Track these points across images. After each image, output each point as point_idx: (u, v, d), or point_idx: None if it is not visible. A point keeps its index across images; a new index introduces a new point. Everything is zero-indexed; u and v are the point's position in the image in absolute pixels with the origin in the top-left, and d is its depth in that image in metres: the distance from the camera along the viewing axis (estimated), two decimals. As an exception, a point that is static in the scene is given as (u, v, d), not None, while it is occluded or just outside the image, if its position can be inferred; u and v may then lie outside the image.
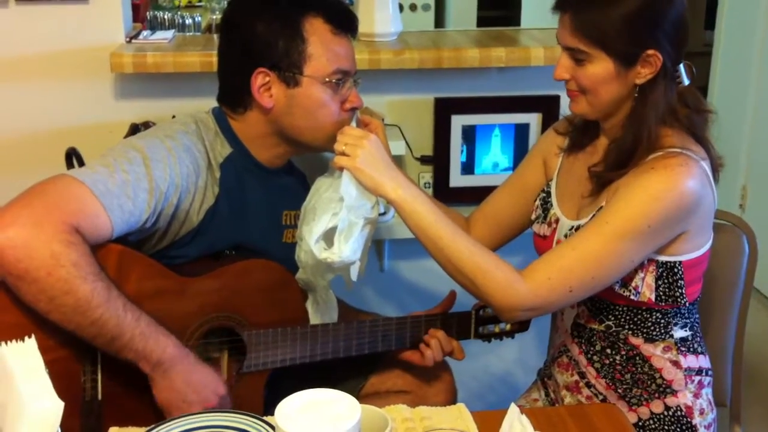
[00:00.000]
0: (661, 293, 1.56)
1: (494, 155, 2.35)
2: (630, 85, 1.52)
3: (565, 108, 2.18)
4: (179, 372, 1.44)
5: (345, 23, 1.61)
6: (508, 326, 1.82)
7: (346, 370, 1.76)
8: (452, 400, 1.80)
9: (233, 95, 1.62)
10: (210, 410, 1.28)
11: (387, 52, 2.18)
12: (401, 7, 4.07)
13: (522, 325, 1.84)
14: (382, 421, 1.20)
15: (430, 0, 4.95)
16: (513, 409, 1.28)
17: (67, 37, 2.17)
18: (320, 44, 1.56)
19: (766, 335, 3.22)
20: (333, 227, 1.52)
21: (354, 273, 1.56)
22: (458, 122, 2.31)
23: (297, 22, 1.56)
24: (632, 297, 1.56)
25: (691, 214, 1.50)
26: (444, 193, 2.31)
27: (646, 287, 1.56)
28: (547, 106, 2.30)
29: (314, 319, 1.67)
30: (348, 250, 1.51)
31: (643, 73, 1.51)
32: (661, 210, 1.47)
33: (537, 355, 2.26)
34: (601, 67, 1.50)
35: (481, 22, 4.92)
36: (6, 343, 1.15)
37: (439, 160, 2.34)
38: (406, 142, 2.28)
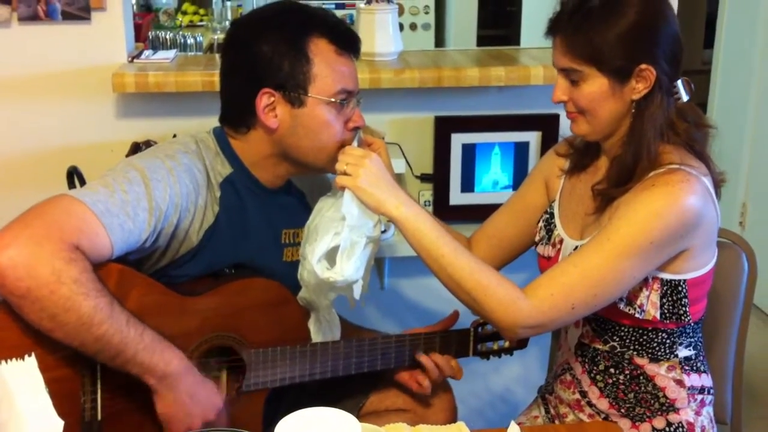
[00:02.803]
0: (665, 311, 1.56)
1: (494, 173, 2.36)
2: (627, 101, 1.53)
3: (564, 127, 2.19)
4: (184, 385, 1.45)
5: (349, 43, 1.61)
6: (507, 343, 1.82)
7: (346, 389, 1.75)
8: (452, 418, 1.80)
9: (237, 115, 1.63)
10: (209, 429, 1.28)
11: (388, 71, 2.20)
12: (401, 27, 4.11)
13: (521, 343, 1.84)
14: (381, 440, 1.20)
15: (430, 19, 4.99)
16: (513, 428, 1.28)
17: (69, 56, 2.19)
18: (325, 64, 1.57)
19: (766, 353, 3.21)
20: (335, 246, 1.52)
21: (357, 292, 1.56)
22: (458, 140, 2.32)
23: (302, 43, 1.56)
24: (637, 315, 1.56)
25: (693, 230, 1.50)
26: (444, 211, 2.32)
27: (650, 305, 1.56)
28: (547, 125, 2.31)
29: (316, 338, 1.67)
30: (350, 269, 1.52)
31: (639, 89, 1.52)
32: (663, 227, 1.47)
33: (538, 372, 2.26)
34: (596, 85, 1.51)
35: (481, 41, 4.95)
36: (6, 362, 1.16)
37: (439, 178, 2.35)
38: (406, 161, 2.29)
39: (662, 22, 1.51)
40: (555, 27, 1.54)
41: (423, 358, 1.71)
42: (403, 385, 1.76)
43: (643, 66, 1.49)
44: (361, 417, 1.71)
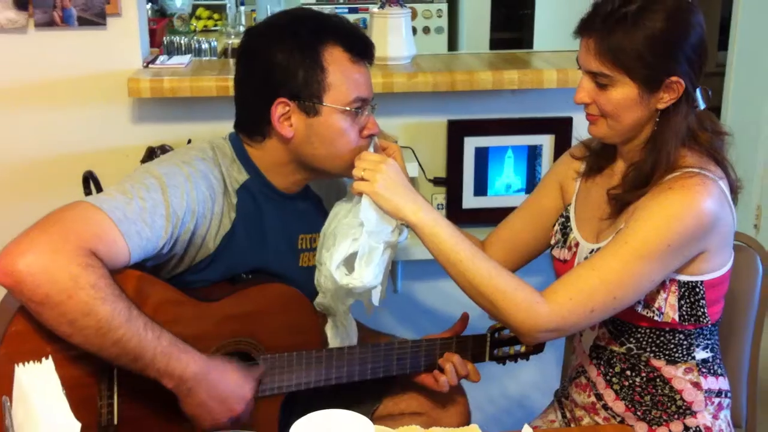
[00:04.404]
0: (684, 313, 1.56)
1: (507, 177, 2.36)
2: (652, 109, 1.52)
3: (577, 130, 2.19)
4: (203, 388, 1.45)
5: (363, 51, 1.61)
6: (523, 348, 1.82)
7: (360, 392, 1.75)
8: (466, 422, 1.80)
9: (252, 124, 1.63)
10: (228, 431, 1.29)
11: (401, 75, 2.20)
12: (414, 31, 4.12)
13: (537, 347, 1.83)
14: (396, 443, 1.20)
15: (443, 23, 4.99)
16: (526, 430, 1.28)
17: (85, 62, 2.20)
18: (339, 73, 1.57)
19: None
20: (353, 252, 1.52)
21: (375, 297, 1.56)
22: (471, 144, 2.32)
23: (316, 52, 1.56)
24: (656, 318, 1.56)
25: (709, 233, 1.50)
26: (457, 215, 2.32)
27: (669, 307, 1.55)
28: (560, 128, 2.31)
29: (334, 343, 1.67)
30: (369, 275, 1.51)
31: (666, 99, 1.51)
32: (680, 229, 1.47)
33: (554, 377, 2.25)
34: (624, 92, 1.50)
35: (494, 44, 4.94)
36: (23, 364, 1.17)
37: (452, 181, 2.35)
38: (420, 164, 2.30)
39: (692, 30, 1.49)
40: (587, 28, 1.51)
41: (443, 363, 1.70)
42: (419, 386, 1.76)
43: (674, 78, 1.48)
44: (375, 420, 1.71)
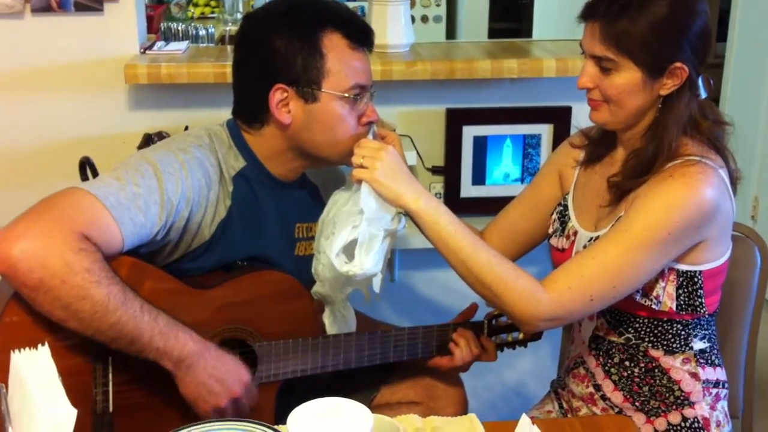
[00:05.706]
0: (681, 302, 1.56)
1: (505, 166, 2.35)
2: (654, 95, 1.52)
3: (576, 119, 2.19)
4: (202, 367, 1.45)
5: (362, 38, 1.60)
6: (521, 335, 1.82)
7: (357, 381, 1.75)
8: (463, 411, 1.80)
9: (250, 110, 1.62)
10: (222, 419, 1.28)
11: (399, 63, 2.19)
12: (413, 19, 4.10)
13: (535, 334, 1.84)
14: (393, 431, 1.20)
15: (441, 12, 4.97)
16: (524, 420, 1.28)
17: (81, 48, 2.19)
18: (338, 60, 1.56)
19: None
20: (353, 240, 1.51)
21: (376, 285, 1.56)
22: (470, 133, 2.31)
23: (316, 38, 1.55)
24: (653, 306, 1.56)
25: (709, 221, 1.50)
26: (455, 204, 2.32)
27: (667, 296, 1.55)
28: (559, 118, 2.31)
29: (332, 332, 1.67)
30: (369, 262, 1.51)
31: (669, 85, 1.51)
32: (680, 218, 1.47)
33: (551, 366, 2.26)
34: (628, 76, 1.50)
35: (493, 33, 4.94)
36: (19, 351, 1.16)
37: (450, 170, 2.34)
38: (418, 153, 2.29)
39: (697, 17, 1.49)
40: (592, 12, 1.51)
41: (457, 338, 1.71)
42: (417, 375, 1.76)
43: (678, 64, 1.48)
44: (372, 409, 1.70)
